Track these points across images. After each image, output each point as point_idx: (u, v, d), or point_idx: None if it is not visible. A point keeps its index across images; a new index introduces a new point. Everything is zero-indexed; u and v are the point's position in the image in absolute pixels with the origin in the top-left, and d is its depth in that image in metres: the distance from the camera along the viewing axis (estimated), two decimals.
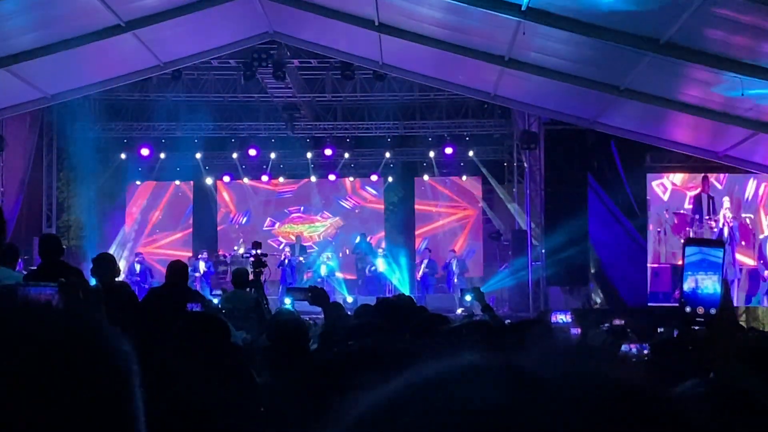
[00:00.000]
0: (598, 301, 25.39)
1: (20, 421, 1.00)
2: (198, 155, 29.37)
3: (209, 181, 30.35)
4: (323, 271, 27.62)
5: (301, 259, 28.29)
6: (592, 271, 25.57)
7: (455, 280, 26.58)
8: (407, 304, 9.77)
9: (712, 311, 2.81)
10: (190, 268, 25.51)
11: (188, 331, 4.71)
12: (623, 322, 17.41)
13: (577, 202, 24.96)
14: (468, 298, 12.69)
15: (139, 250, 29.16)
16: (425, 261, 27.86)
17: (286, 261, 27.54)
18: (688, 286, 2.90)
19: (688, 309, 2.86)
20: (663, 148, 23.61)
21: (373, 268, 27.69)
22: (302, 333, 7.15)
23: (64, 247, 10.99)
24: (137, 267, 27.23)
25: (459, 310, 21.92)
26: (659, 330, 14.86)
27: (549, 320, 15.79)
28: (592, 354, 0.82)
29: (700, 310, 2.83)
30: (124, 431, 1.08)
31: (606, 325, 16.62)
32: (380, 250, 28.53)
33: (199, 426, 3.80)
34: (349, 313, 11.31)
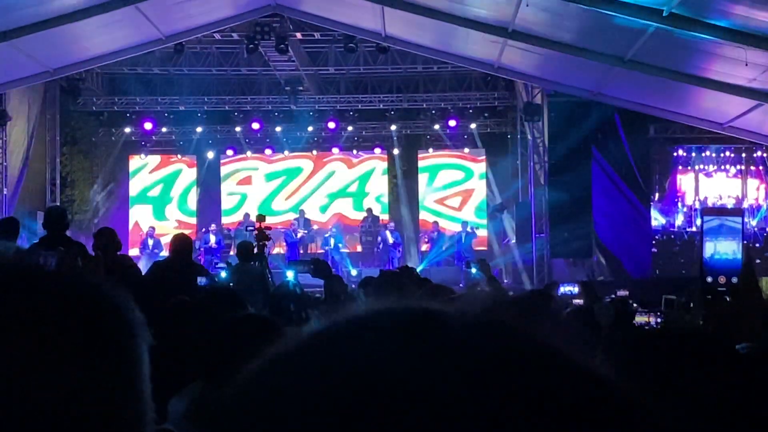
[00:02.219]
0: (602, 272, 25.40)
1: (20, 378, 0.99)
2: (199, 129, 29.35)
3: (211, 154, 30.33)
4: (332, 243, 27.66)
5: (304, 232, 28.31)
6: (596, 242, 25.57)
7: (463, 253, 26.51)
8: (410, 276, 9.75)
9: (734, 280, 2.79)
10: (200, 242, 25.80)
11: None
12: (627, 293, 17.44)
13: (581, 173, 24.94)
14: (473, 270, 12.68)
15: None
16: (434, 234, 27.80)
17: (295, 235, 27.58)
18: (707, 253, 2.89)
19: (709, 279, 2.84)
20: (667, 120, 23.57)
21: (379, 240, 27.68)
22: (302, 306, 7.18)
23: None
24: (150, 241, 27.28)
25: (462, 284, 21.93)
26: (665, 297, 14.87)
27: (556, 292, 15.79)
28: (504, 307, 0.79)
29: (722, 279, 2.81)
30: (127, 392, 1.07)
31: (611, 295, 16.64)
32: (389, 224, 28.47)
33: None
34: (353, 286, 11.33)
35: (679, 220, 26.66)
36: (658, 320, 11.13)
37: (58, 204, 25.55)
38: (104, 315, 1.08)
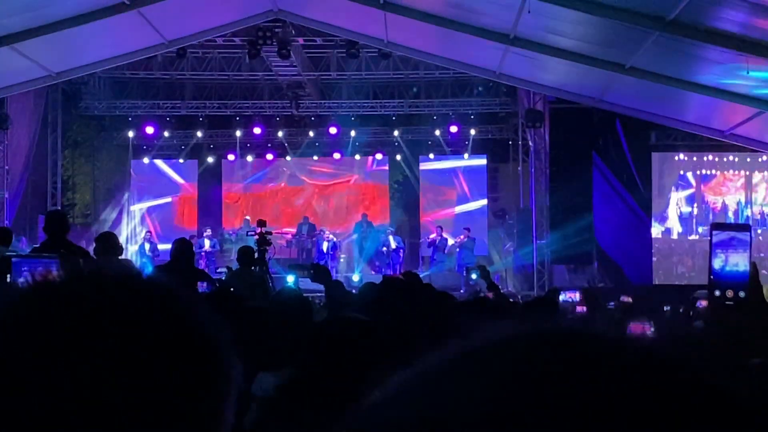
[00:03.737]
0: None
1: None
2: (199, 133, 29.39)
3: (213, 159, 30.36)
4: (325, 247, 27.61)
5: (334, 239, 28.18)
6: (597, 249, 25.58)
7: (464, 259, 26.45)
8: (413, 282, 9.75)
9: (742, 294, 2.81)
10: (194, 246, 25.76)
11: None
12: (630, 299, 17.37)
13: (582, 180, 24.97)
14: (473, 276, 12.64)
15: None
16: (437, 239, 27.65)
17: (329, 241, 27.49)
18: (715, 265, 2.92)
19: (717, 292, 2.87)
20: (668, 127, 23.58)
21: (384, 248, 27.63)
22: (304, 310, 7.17)
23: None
24: (147, 246, 27.25)
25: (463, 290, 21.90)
26: (665, 309, 14.85)
27: (558, 299, 15.76)
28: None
29: (730, 293, 2.83)
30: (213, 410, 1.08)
31: (612, 303, 16.59)
32: (389, 228, 28.40)
33: None
34: (354, 291, 11.32)
35: (680, 227, 26.63)
36: (652, 329, 11.06)
37: (59, 208, 25.58)
38: (202, 333, 1.09)
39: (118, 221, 29.31)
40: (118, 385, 1.00)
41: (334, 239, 28.13)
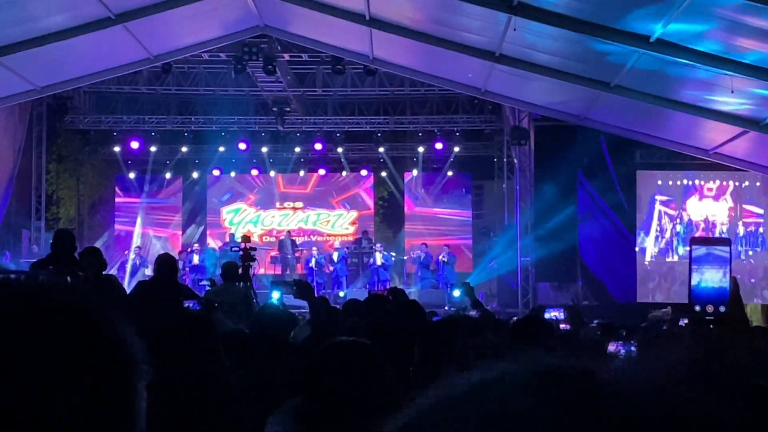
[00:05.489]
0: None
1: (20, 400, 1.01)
2: (184, 149, 29.33)
3: (198, 174, 30.31)
4: (313, 263, 27.59)
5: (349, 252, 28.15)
6: (581, 267, 25.60)
7: (445, 274, 26.49)
8: (398, 299, 9.73)
9: (722, 309, 2.82)
10: (183, 261, 25.73)
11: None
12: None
13: (567, 198, 25.00)
14: (456, 293, 12.61)
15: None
16: (422, 255, 27.58)
17: (313, 261, 27.52)
18: (694, 281, 2.94)
19: (697, 308, 2.89)
20: (653, 145, 23.63)
21: (371, 262, 27.62)
22: (284, 326, 7.16)
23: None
24: (137, 261, 27.17)
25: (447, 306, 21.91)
26: (642, 324, 14.87)
27: (543, 317, 15.75)
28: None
29: (710, 308, 2.85)
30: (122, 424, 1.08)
31: (595, 321, 16.62)
32: (378, 245, 28.35)
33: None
34: (338, 306, 11.30)
35: (662, 246, 26.61)
36: (632, 349, 11.04)
37: (43, 223, 25.58)
38: (104, 348, 1.09)
39: (102, 236, 29.21)
40: (24, 392, 1.02)
41: (344, 249, 28.11)
